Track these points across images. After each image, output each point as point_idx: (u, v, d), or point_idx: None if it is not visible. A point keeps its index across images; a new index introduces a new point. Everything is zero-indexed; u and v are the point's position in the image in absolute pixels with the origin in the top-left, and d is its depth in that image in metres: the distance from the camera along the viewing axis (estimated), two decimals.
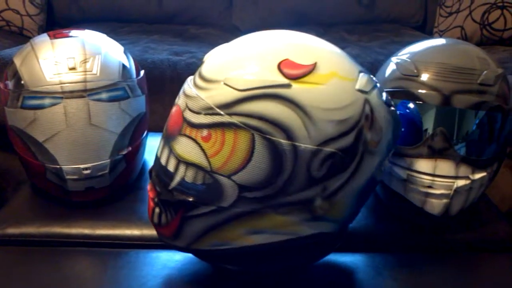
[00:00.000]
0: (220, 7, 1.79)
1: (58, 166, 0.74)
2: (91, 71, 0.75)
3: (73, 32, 0.81)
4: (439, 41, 0.80)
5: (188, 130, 0.55)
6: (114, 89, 0.76)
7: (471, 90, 0.70)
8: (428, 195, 0.72)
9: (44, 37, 0.80)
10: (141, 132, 0.83)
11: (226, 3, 1.79)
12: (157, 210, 0.59)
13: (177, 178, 0.56)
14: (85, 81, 0.74)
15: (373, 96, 0.57)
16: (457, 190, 0.71)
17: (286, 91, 0.52)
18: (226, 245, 0.57)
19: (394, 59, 0.78)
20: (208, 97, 0.54)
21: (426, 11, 1.81)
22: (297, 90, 0.52)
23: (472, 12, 1.60)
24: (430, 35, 1.75)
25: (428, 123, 0.74)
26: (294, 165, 0.52)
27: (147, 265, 0.68)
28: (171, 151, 0.57)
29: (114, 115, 0.76)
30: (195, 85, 0.56)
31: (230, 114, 0.52)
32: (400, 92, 0.73)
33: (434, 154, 0.70)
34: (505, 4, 1.57)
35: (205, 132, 0.53)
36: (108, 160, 0.76)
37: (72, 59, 0.75)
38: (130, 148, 0.79)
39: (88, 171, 0.75)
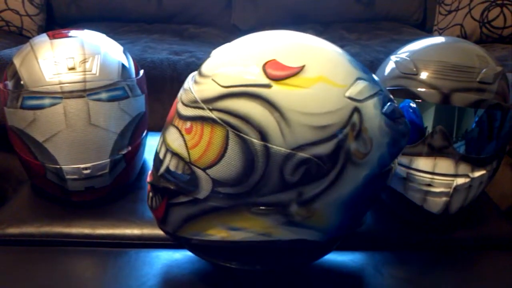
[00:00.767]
0: (220, 7, 1.79)
1: (58, 166, 0.74)
2: (90, 71, 0.75)
3: (72, 32, 0.81)
4: (438, 39, 0.80)
5: (176, 121, 0.57)
6: (114, 89, 0.76)
7: (470, 88, 0.70)
8: (427, 193, 0.72)
9: (44, 37, 0.80)
10: (141, 132, 0.83)
11: (225, 3, 1.79)
12: (150, 194, 0.62)
13: (164, 166, 0.58)
14: (84, 81, 0.74)
15: (367, 105, 0.54)
16: (457, 188, 0.71)
17: (265, 91, 0.52)
18: (206, 237, 0.58)
19: (393, 58, 0.78)
20: (197, 91, 0.55)
21: (426, 9, 1.81)
22: (276, 91, 0.52)
23: (471, 10, 1.60)
24: (429, 33, 1.75)
25: (428, 122, 0.74)
26: (266, 166, 0.52)
27: (147, 264, 0.68)
28: (164, 140, 0.59)
29: (113, 115, 0.76)
30: (194, 79, 0.58)
31: (211, 109, 0.53)
32: (400, 91, 0.73)
33: (434, 152, 0.71)
34: (505, 1, 1.57)
35: (188, 124, 0.55)
36: (108, 160, 0.76)
37: (71, 59, 0.75)
38: (129, 148, 0.79)
39: (88, 171, 0.75)
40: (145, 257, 0.70)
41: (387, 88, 0.74)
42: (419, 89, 0.71)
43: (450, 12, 1.65)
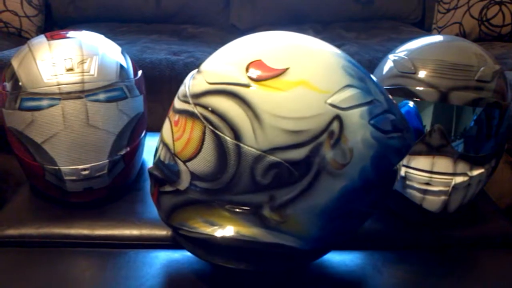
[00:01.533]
0: (218, 6, 1.79)
1: (56, 167, 0.74)
2: (88, 72, 0.75)
3: (71, 33, 0.81)
4: (436, 38, 0.80)
5: (170, 113, 0.59)
6: (112, 90, 0.76)
7: (468, 86, 0.70)
8: (426, 192, 0.72)
9: (42, 38, 0.80)
10: (140, 132, 0.83)
11: (223, 3, 1.79)
12: (151, 180, 0.64)
13: (157, 155, 0.62)
14: (82, 82, 0.74)
15: (351, 114, 0.52)
16: (455, 187, 0.71)
17: (243, 90, 0.52)
18: (190, 228, 0.59)
19: (391, 57, 0.78)
20: (190, 86, 0.57)
21: (424, 7, 1.81)
22: (254, 92, 0.52)
23: (470, 8, 1.60)
24: (428, 31, 1.75)
25: (426, 120, 0.74)
26: (238, 166, 0.52)
27: (146, 265, 0.68)
28: (161, 131, 0.62)
29: (112, 116, 0.76)
30: (193, 74, 0.59)
31: (195, 104, 0.55)
32: (398, 90, 0.73)
33: (432, 151, 0.71)
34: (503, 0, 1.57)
35: (176, 117, 0.57)
36: (107, 161, 0.76)
37: (69, 60, 0.75)
38: (128, 149, 0.79)
39: (86, 172, 0.75)
40: (144, 258, 0.70)
41: (385, 87, 0.74)
42: (417, 88, 0.71)
43: (449, 10, 1.66)
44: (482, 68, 0.70)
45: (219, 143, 0.53)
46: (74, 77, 0.73)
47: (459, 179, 0.71)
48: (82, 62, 0.75)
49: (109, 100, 0.76)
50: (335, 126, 0.51)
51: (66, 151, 0.74)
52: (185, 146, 0.55)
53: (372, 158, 0.54)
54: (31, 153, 0.75)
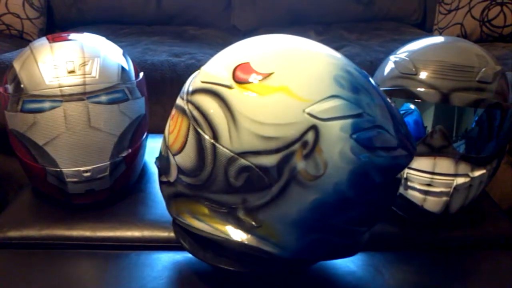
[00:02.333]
0: (219, 8, 1.79)
1: (58, 169, 0.74)
2: (90, 74, 0.75)
3: (72, 35, 0.81)
4: (437, 39, 0.80)
5: (173, 109, 0.61)
6: (113, 92, 0.76)
7: (469, 87, 0.70)
8: (427, 193, 0.72)
9: (43, 40, 0.80)
10: (141, 134, 0.83)
11: (225, 4, 1.79)
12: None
13: (160, 147, 0.64)
14: (84, 84, 0.74)
15: (330, 126, 0.50)
16: (457, 188, 0.71)
17: (226, 91, 0.52)
18: (182, 219, 0.60)
19: (392, 58, 0.78)
20: (189, 84, 0.58)
21: (426, 8, 1.81)
22: (235, 93, 0.52)
23: (471, 9, 1.60)
24: (430, 32, 1.75)
25: (427, 121, 0.74)
26: (214, 165, 0.53)
27: (147, 266, 0.69)
28: None
29: (113, 118, 0.76)
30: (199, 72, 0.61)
31: (187, 101, 0.56)
32: (399, 91, 0.73)
33: (433, 152, 0.71)
34: (504, 0, 1.57)
35: (174, 111, 0.59)
36: (108, 162, 0.76)
37: (71, 62, 0.75)
38: (130, 150, 0.80)
39: (88, 174, 0.75)
40: (146, 259, 0.70)
41: (386, 88, 0.74)
42: (418, 89, 0.71)
43: (450, 11, 1.65)
44: (483, 69, 0.70)
45: (199, 141, 0.54)
46: (76, 79, 0.74)
47: (460, 180, 0.71)
48: (83, 64, 0.75)
49: (110, 102, 0.76)
50: (310, 136, 0.50)
51: (67, 153, 0.74)
52: (175, 140, 0.57)
53: (350, 173, 0.51)
54: (33, 155, 0.75)
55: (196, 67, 1.30)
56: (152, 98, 0.96)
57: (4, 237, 0.75)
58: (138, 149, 0.83)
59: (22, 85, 0.74)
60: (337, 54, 0.57)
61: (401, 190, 0.74)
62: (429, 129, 0.73)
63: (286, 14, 1.77)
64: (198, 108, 0.54)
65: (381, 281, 0.68)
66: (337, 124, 0.50)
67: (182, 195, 0.59)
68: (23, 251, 0.74)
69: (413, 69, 0.72)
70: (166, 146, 0.60)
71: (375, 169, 0.52)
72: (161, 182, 0.64)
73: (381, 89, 0.74)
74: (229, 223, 0.56)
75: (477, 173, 0.72)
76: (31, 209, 0.81)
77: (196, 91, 0.55)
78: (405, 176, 0.73)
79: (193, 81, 0.57)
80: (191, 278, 0.67)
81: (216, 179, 0.53)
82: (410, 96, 0.72)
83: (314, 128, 0.50)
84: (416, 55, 0.74)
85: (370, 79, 0.57)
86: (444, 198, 0.72)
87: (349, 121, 0.50)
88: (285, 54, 0.54)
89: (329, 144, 0.50)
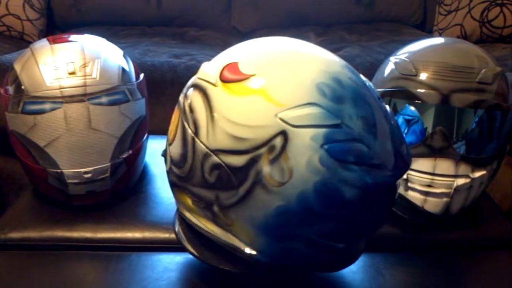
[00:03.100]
0: (219, 9, 1.79)
1: (59, 170, 0.74)
2: (90, 75, 0.75)
3: (73, 37, 0.81)
4: (438, 40, 0.80)
5: None
6: (114, 93, 0.77)
7: (469, 88, 0.70)
8: (428, 194, 0.72)
9: (44, 42, 0.80)
10: (142, 135, 0.83)
11: (225, 5, 1.79)
12: None
13: None
14: (85, 85, 0.74)
15: (301, 133, 0.49)
16: (457, 189, 0.71)
17: (211, 89, 0.54)
18: (180, 208, 0.62)
19: (392, 59, 0.78)
20: (192, 78, 0.59)
21: (426, 9, 1.82)
22: (217, 92, 0.53)
23: (471, 9, 1.60)
24: (430, 33, 1.75)
25: (427, 122, 0.74)
26: (193, 159, 0.54)
27: (148, 268, 0.69)
28: None
29: (114, 119, 0.76)
30: None
31: (184, 94, 0.58)
32: (399, 92, 0.73)
33: (434, 153, 0.71)
34: (504, 1, 1.57)
35: (177, 105, 0.60)
36: (109, 164, 0.76)
37: (71, 64, 0.75)
38: (130, 152, 0.80)
39: (89, 175, 0.75)
40: (147, 261, 0.70)
41: (387, 89, 0.74)
42: (418, 90, 0.71)
43: (450, 12, 1.66)
44: (483, 70, 0.70)
45: (184, 133, 0.55)
46: (76, 81, 0.74)
47: (461, 181, 0.71)
48: (84, 65, 0.75)
49: (111, 104, 0.76)
50: (278, 141, 0.49)
51: (68, 154, 0.74)
52: (170, 130, 0.60)
53: (316, 185, 0.49)
54: (33, 157, 0.75)
55: (196, 68, 1.29)
56: (153, 99, 0.96)
57: (5, 238, 0.75)
58: (138, 150, 0.83)
59: (22, 87, 0.74)
60: (335, 62, 0.55)
61: (402, 191, 0.75)
62: (429, 130, 0.73)
63: (286, 15, 1.77)
64: (188, 102, 0.56)
65: (382, 282, 0.68)
66: (309, 132, 0.49)
67: (174, 184, 0.60)
68: (24, 252, 0.74)
69: (413, 70, 0.72)
70: (167, 136, 0.62)
71: (345, 184, 0.50)
72: (167, 171, 0.64)
73: (381, 90, 0.75)
74: (208, 218, 0.57)
75: (478, 174, 0.72)
76: (32, 211, 0.81)
77: (190, 86, 0.57)
78: (405, 177, 0.73)
79: (194, 77, 0.59)
80: (192, 280, 0.67)
81: (195, 173, 0.55)
82: (410, 97, 0.72)
83: (283, 133, 0.49)
84: (416, 56, 0.75)
85: (371, 91, 0.54)
86: (445, 199, 0.72)
87: (322, 130, 0.49)
88: (274, 57, 0.54)
89: (296, 152, 0.49)
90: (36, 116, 0.73)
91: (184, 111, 0.56)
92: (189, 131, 0.54)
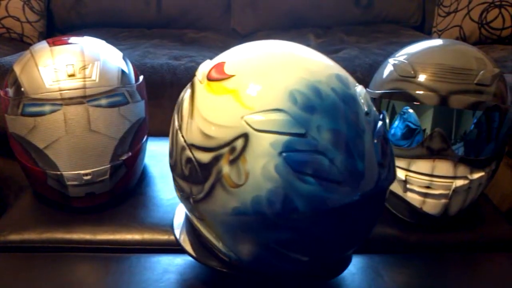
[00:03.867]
0: (219, 11, 1.79)
1: (59, 172, 0.75)
2: (90, 77, 0.75)
3: (72, 39, 0.81)
4: (436, 42, 0.80)
5: None
6: (113, 95, 0.77)
7: (468, 90, 0.70)
8: (426, 195, 0.72)
9: (43, 44, 0.80)
10: (141, 137, 0.84)
11: (224, 7, 1.79)
12: None
13: None
14: (84, 87, 0.74)
15: (261, 138, 0.48)
16: (456, 190, 0.71)
17: (198, 85, 0.55)
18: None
19: (391, 61, 0.78)
20: None
21: (424, 11, 1.82)
22: (200, 89, 0.55)
23: (470, 11, 1.61)
24: (429, 35, 1.75)
25: (426, 124, 0.74)
26: (176, 150, 0.57)
27: (148, 269, 0.69)
28: None
29: (113, 121, 0.77)
30: None
31: (185, 89, 0.59)
32: (398, 94, 0.74)
33: (432, 154, 0.71)
34: (503, 2, 1.57)
35: None
36: (109, 166, 0.77)
37: (71, 66, 0.75)
38: (130, 153, 0.80)
39: (88, 177, 0.75)
40: (146, 262, 0.70)
41: (385, 91, 0.75)
42: (417, 92, 0.71)
43: (449, 13, 1.66)
44: (481, 72, 0.71)
45: (173, 125, 0.58)
46: (76, 83, 0.74)
47: (459, 183, 0.71)
48: (83, 67, 0.76)
49: (110, 106, 0.76)
50: (239, 143, 0.49)
51: (68, 156, 0.74)
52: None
53: (269, 192, 0.49)
54: (33, 159, 0.76)
55: (195, 70, 1.30)
56: (152, 101, 0.96)
57: (4, 240, 0.76)
58: (138, 152, 0.83)
59: (22, 89, 0.74)
60: (323, 70, 0.53)
61: (400, 192, 0.75)
62: (428, 131, 0.73)
63: (285, 17, 1.77)
64: (181, 96, 0.58)
65: (381, 283, 0.68)
66: (269, 138, 0.48)
67: (172, 170, 0.61)
68: (23, 254, 0.74)
69: (412, 72, 0.73)
70: None
71: (298, 195, 0.49)
72: None
73: (380, 91, 0.76)
74: (189, 210, 0.60)
75: (476, 175, 0.72)
76: (32, 213, 0.82)
77: (191, 82, 0.59)
78: (404, 178, 0.73)
79: None
80: (191, 281, 0.67)
81: (177, 165, 0.57)
82: (409, 98, 0.72)
83: (245, 136, 0.49)
84: (415, 58, 0.75)
85: (357, 106, 0.51)
86: (443, 201, 0.72)
87: (283, 138, 0.48)
88: (258, 61, 0.54)
89: (254, 156, 0.49)
90: (36, 118, 0.73)
91: (177, 104, 0.58)
92: (176, 123, 0.57)
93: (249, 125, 0.49)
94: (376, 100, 0.78)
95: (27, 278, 0.68)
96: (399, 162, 0.73)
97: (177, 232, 0.66)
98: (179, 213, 0.69)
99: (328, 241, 0.54)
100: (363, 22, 1.78)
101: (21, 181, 0.86)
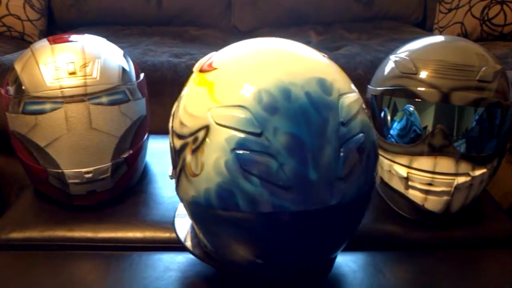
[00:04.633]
0: (219, 8, 1.79)
1: (60, 171, 0.75)
2: (91, 75, 0.75)
3: (73, 37, 0.81)
4: (438, 39, 0.80)
5: None
6: (114, 93, 0.77)
7: (469, 87, 0.70)
8: (428, 192, 0.72)
9: (44, 42, 0.80)
10: (142, 135, 0.84)
11: (225, 4, 1.79)
12: None
13: None
14: (85, 85, 0.74)
15: (219, 132, 0.49)
16: (458, 187, 0.71)
17: (191, 76, 0.58)
18: None
19: (392, 57, 0.78)
20: None
21: (426, 7, 1.81)
22: (191, 79, 0.57)
23: (471, 8, 1.60)
24: (430, 32, 1.75)
25: (428, 121, 0.74)
26: (170, 134, 0.59)
27: (149, 267, 0.69)
28: None
29: (114, 119, 0.77)
30: None
31: None
32: (399, 90, 0.73)
33: (434, 151, 0.71)
34: None
35: None
36: (110, 164, 0.77)
37: (72, 64, 0.75)
38: (131, 151, 0.80)
39: (90, 175, 0.75)
40: (148, 260, 0.70)
41: (387, 87, 0.74)
42: (418, 89, 0.71)
43: (450, 10, 1.65)
44: (483, 68, 0.70)
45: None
46: (77, 81, 0.74)
47: (461, 180, 0.71)
48: (84, 65, 0.75)
49: (111, 103, 0.76)
50: (201, 134, 0.51)
51: (69, 154, 0.74)
52: None
53: (218, 186, 0.50)
54: (34, 157, 0.76)
55: None
56: (153, 98, 0.96)
57: (6, 238, 0.76)
58: (139, 150, 0.83)
59: (23, 87, 0.74)
60: (307, 73, 0.51)
61: (402, 189, 0.75)
62: (429, 128, 0.73)
63: (286, 14, 1.77)
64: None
65: (383, 280, 0.68)
66: (226, 133, 0.49)
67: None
68: (25, 252, 0.74)
69: (413, 69, 0.72)
70: None
71: (242, 194, 0.49)
72: None
73: (381, 88, 0.76)
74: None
75: (478, 172, 0.72)
76: (33, 211, 0.82)
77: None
78: (406, 175, 0.73)
79: None
80: (193, 279, 0.67)
81: (170, 148, 0.59)
82: (411, 95, 0.72)
83: (206, 128, 0.51)
84: (416, 55, 0.74)
85: (329, 116, 0.49)
86: (445, 198, 0.72)
87: (238, 135, 0.49)
88: (244, 58, 0.55)
89: (210, 149, 0.50)
90: (36, 116, 0.73)
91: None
92: (173, 110, 0.59)
93: (212, 118, 0.50)
94: (378, 97, 0.78)
95: (29, 276, 0.68)
96: (400, 159, 0.73)
97: (178, 229, 0.66)
98: (181, 211, 0.68)
99: (274, 246, 0.53)
100: (364, 19, 1.78)
101: (23, 179, 0.86)
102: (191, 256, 0.65)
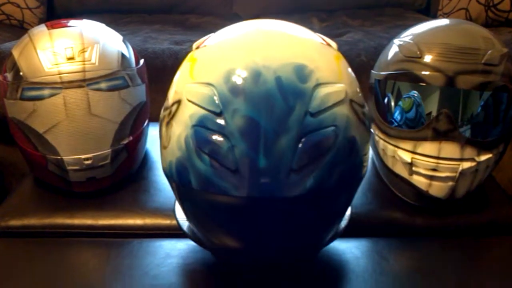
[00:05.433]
0: None
1: (59, 157, 0.74)
2: (89, 60, 0.74)
3: (71, 22, 0.80)
4: (442, 22, 0.78)
5: None
6: (114, 78, 0.76)
7: (475, 70, 0.68)
8: (433, 178, 0.71)
9: (42, 27, 0.79)
10: (142, 122, 0.83)
11: None
12: None
13: None
14: (84, 70, 0.73)
15: (187, 107, 0.50)
16: (463, 173, 0.70)
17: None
18: None
19: (396, 41, 0.76)
20: None
21: None
22: (188, 56, 0.57)
23: None
24: (434, 18, 1.73)
25: (432, 105, 0.73)
26: None
27: (149, 254, 0.68)
28: None
29: (114, 105, 0.76)
30: None
31: None
32: (403, 74, 0.72)
33: (439, 136, 0.69)
34: None
35: None
36: (109, 150, 0.76)
37: (70, 49, 0.74)
38: (131, 138, 0.79)
39: (89, 161, 0.74)
40: (148, 247, 0.70)
41: (391, 72, 0.73)
42: (423, 72, 0.70)
43: None
44: (489, 51, 0.69)
45: None
46: (75, 66, 0.73)
47: (466, 165, 0.70)
48: (83, 50, 0.74)
49: (110, 89, 0.75)
50: (174, 108, 0.53)
51: (68, 140, 0.73)
52: None
53: (177, 160, 0.51)
54: (33, 143, 0.75)
55: None
56: (153, 86, 0.95)
57: (6, 226, 0.75)
58: (139, 137, 0.82)
59: (21, 73, 0.73)
60: (286, 57, 0.50)
61: (406, 175, 0.74)
62: (434, 113, 0.72)
63: (288, 1, 1.75)
64: None
65: (386, 267, 0.67)
66: (191, 108, 0.50)
67: None
68: (24, 240, 0.74)
69: (418, 52, 0.71)
70: None
71: (194, 171, 0.50)
72: None
73: (385, 73, 0.74)
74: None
75: (483, 157, 0.71)
76: (33, 198, 0.81)
77: None
78: (410, 161, 0.72)
79: None
80: (193, 266, 0.66)
81: None
82: (415, 79, 0.71)
83: (178, 102, 0.52)
84: (421, 38, 0.73)
85: (295, 105, 0.48)
86: (450, 183, 0.71)
87: (201, 112, 0.49)
88: (232, 37, 0.55)
89: (177, 123, 0.52)
90: (35, 102, 0.72)
91: None
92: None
93: (185, 93, 0.52)
94: (381, 82, 0.76)
95: (28, 263, 0.68)
96: (404, 144, 0.72)
97: (179, 216, 0.65)
98: None
99: (233, 230, 0.53)
100: (367, 6, 1.76)
101: (23, 168, 0.85)
102: (191, 242, 0.64)
